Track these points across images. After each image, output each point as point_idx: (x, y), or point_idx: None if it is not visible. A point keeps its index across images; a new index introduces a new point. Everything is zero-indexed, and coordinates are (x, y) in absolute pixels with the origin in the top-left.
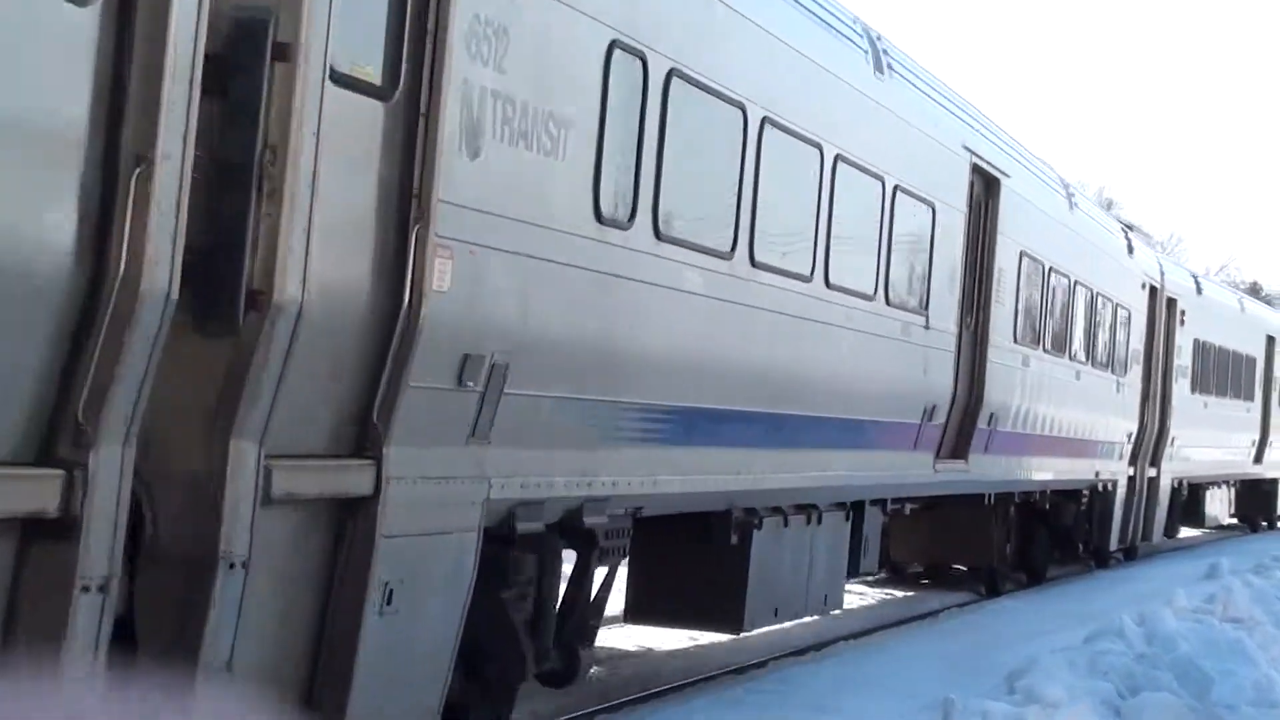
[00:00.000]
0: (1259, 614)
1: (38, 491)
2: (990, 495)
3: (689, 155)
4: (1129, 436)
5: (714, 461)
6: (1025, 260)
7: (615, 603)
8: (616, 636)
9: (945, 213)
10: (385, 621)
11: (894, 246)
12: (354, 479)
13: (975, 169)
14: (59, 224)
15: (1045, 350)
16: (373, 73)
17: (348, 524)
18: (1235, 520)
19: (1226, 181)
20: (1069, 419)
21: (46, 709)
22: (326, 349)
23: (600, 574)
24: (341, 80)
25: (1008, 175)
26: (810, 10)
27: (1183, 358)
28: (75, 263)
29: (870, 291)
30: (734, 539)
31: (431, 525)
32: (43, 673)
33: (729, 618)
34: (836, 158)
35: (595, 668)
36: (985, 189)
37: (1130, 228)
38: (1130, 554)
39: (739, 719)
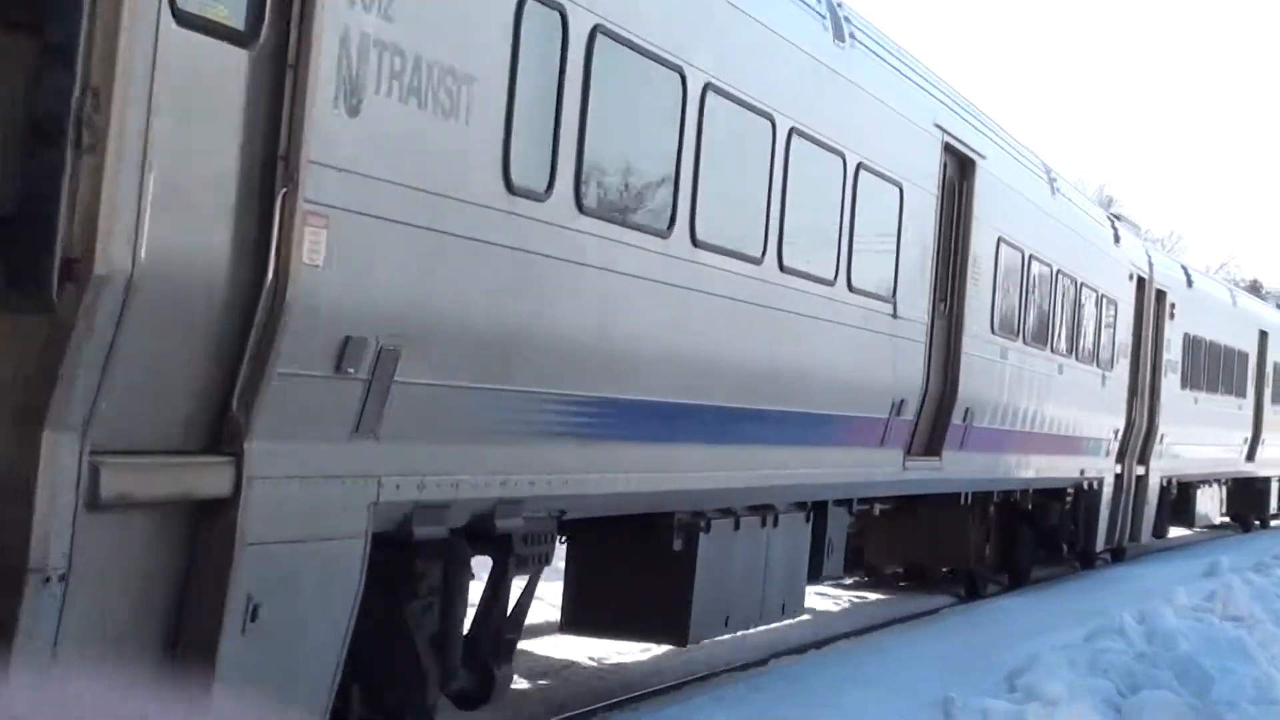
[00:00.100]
0: (1259, 612)
1: None
2: (967, 494)
3: (618, 122)
4: (1116, 433)
5: (651, 459)
6: (1004, 247)
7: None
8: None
9: (914, 194)
10: (249, 641)
11: (856, 228)
12: (208, 478)
13: (948, 149)
14: None
15: (1026, 342)
16: (228, 15)
17: (202, 530)
18: (1227, 520)
19: (1227, 179)
20: (1051, 414)
21: None
22: (171, 328)
23: (520, 583)
24: (188, 20)
25: (984, 156)
26: None
27: (1172, 352)
28: None
29: (830, 276)
30: (678, 543)
31: (307, 531)
32: None
33: (673, 628)
34: (791, 131)
35: (516, 683)
36: (960, 171)
37: (1118, 217)
38: (1118, 555)
39: (739, 717)
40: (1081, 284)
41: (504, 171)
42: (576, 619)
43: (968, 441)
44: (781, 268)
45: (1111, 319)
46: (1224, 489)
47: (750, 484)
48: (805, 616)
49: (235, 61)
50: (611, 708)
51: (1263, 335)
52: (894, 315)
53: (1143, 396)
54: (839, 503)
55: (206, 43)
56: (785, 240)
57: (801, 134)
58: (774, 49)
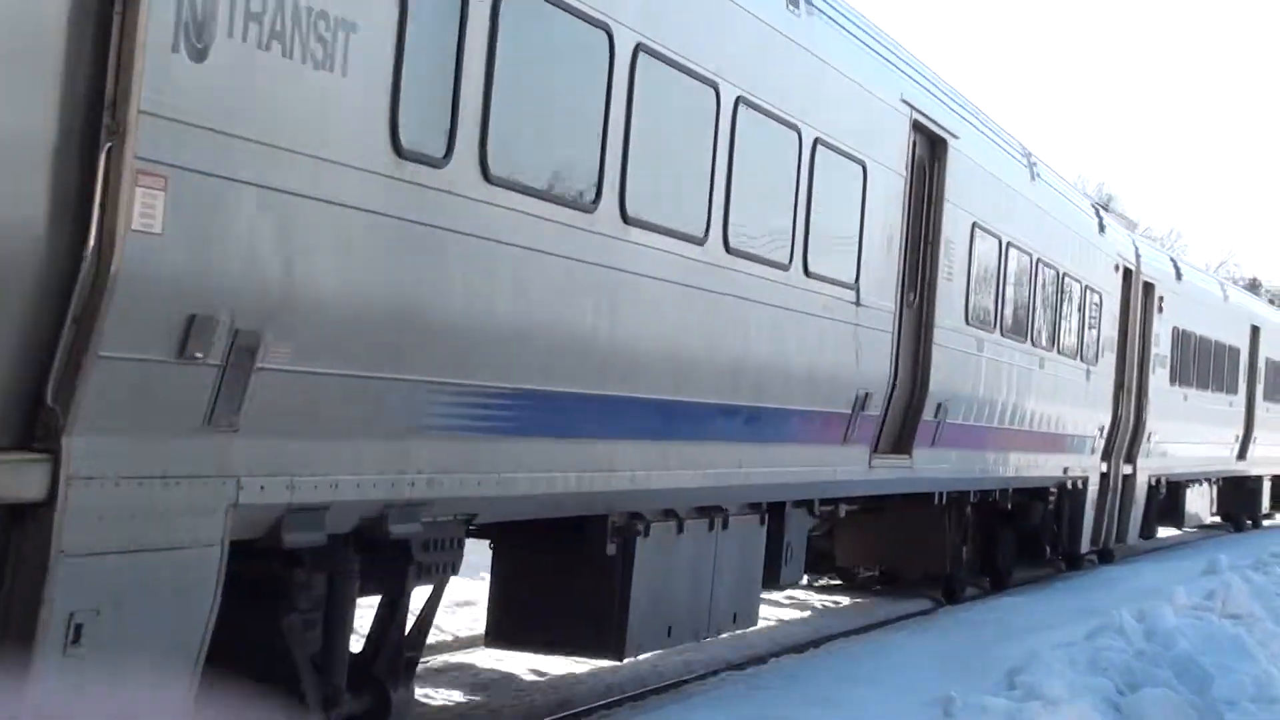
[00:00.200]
0: (1258, 610)
1: None
2: (941, 494)
3: (532, 83)
4: (1101, 430)
5: (580, 457)
6: (979, 233)
7: None
8: None
9: (879, 173)
10: (72, 664)
11: (814, 209)
12: (16, 479)
13: (917, 126)
14: None
15: (1003, 334)
16: None
17: (14, 537)
18: (1218, 519)
19: (1226, 178)
20: (1032, 410)
21: None
22: None
23: (422, 595)
24: None
25: (956, 136)
26: None
27: (1161, 347)
28: None
29: (784, 260)
30: (611, 548)
31: (145, 539)
32: None
33: (607, 640)
34: (738, 100)
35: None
36: (930, 151)
37: (1104, 207)
38: (1105, 557)
39: (740, 714)
40: (1064, 274)
41: (391, 132)
42: (501, 631)
43: (940, 438)
44: (728, 249)
45: (1096, 311)
46: (1215, 488)
47: (696, 484)
48: (760, 625)
49: None
50: (611, 706)
51: (1255, 330)
52: (857, 304)
53: (1129, 392)
54: (799, 504)
55: None
56: (731, 219)
57: (750, 104)
58: (718, 11)
